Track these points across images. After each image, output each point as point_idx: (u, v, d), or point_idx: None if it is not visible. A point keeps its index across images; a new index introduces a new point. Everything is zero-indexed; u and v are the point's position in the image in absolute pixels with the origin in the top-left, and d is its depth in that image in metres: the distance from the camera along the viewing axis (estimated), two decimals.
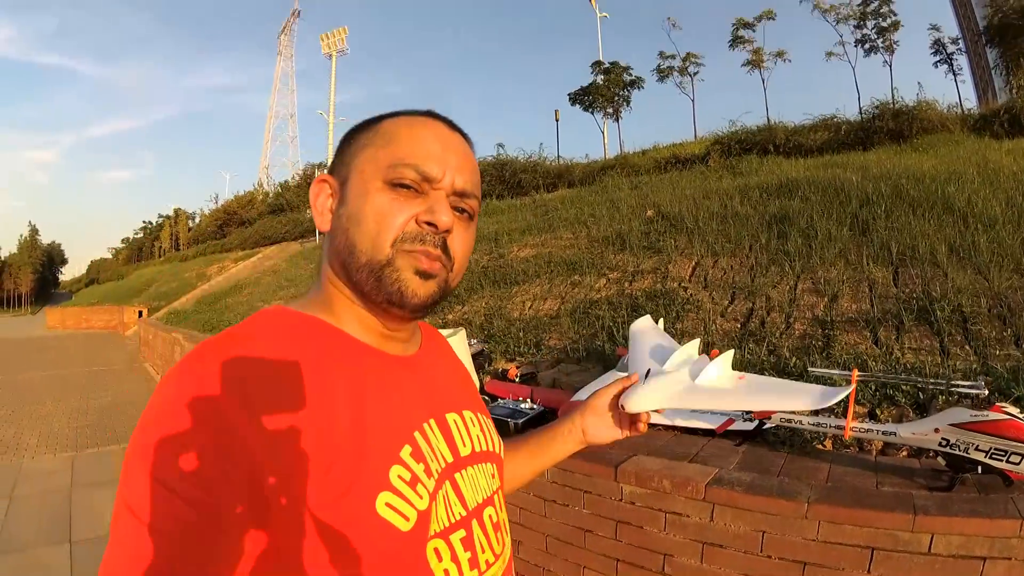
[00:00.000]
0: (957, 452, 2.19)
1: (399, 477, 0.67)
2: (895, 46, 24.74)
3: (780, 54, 27.34)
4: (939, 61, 24.48)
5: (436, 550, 0.69)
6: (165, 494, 0.53)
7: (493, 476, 0.85)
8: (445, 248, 0.72)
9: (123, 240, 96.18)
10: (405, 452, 0.69)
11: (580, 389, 3.74)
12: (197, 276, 32.17)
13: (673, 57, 29.67)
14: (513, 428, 3.44)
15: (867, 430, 2.43)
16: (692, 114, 29.14)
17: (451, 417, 0.80)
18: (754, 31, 27.32)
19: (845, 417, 2.47)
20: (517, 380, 4.52)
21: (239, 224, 44.64)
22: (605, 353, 4.68)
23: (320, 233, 0.78)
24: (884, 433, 2.41)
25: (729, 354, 1.27)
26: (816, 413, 2.85)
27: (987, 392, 2.28)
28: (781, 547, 2.24)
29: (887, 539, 2.04)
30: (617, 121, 29.80)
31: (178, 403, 0.58)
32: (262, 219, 38.80)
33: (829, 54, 26.37)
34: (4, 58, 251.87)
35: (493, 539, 0.79)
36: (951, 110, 13.20)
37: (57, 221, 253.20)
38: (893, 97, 13.24)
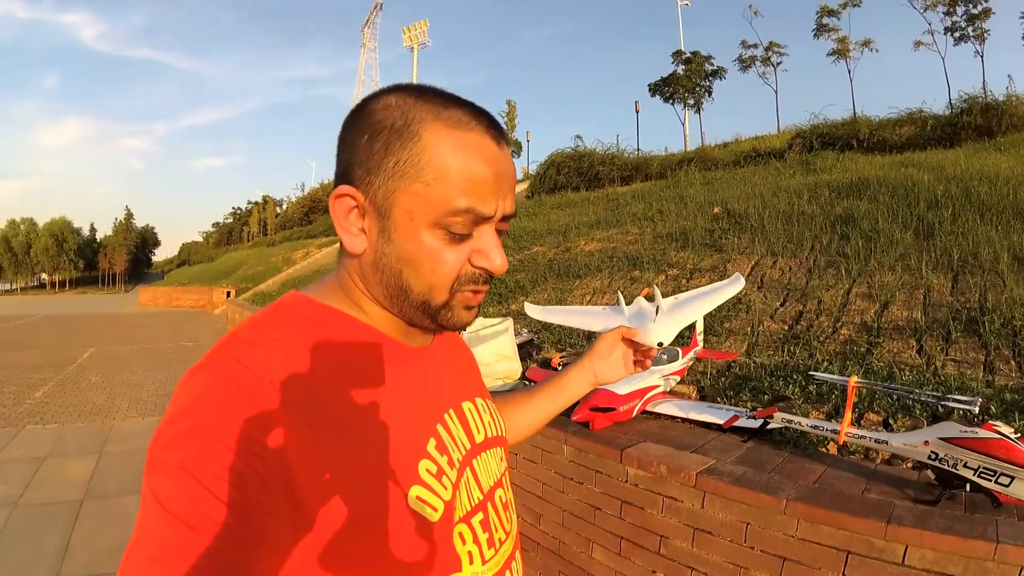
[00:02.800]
0: (945, 467, 2.19)
1: (427, 471, 0.69)
2: (986, 35, 23.09)
3: (866, 43, 25.96)
4: None
5: (460, 534, 0.73)
6: (196, 488, 0.52)
7: (501, 459, 0.89)
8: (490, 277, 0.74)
9: (213, 224, 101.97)
10: (431, 446, 0.71)
11: None
12: (283, 260, 33.51)
13: (756, 46, 28.79)
14: None
15: (860, 436, 2.48)
16: (775, 105, 28.27)
17: (466, 406, 0.84)
18: (839, 19, 26.11)
19: (843, 422, 2.57)
20: (559, 368, 4.76)
21: (324, 211, 46.18)
22: None
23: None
24: (877, 441, 2.46)
25: (655, 288, 1.52)
26: (809, 415, 2.98)
27: (978, 410, 2.26)
28: (763, 540, 2.36)
29: (862, 544, 2.11)
30: (698, 113, 29.31)
31: (209, 396, 0.58)
32: None
33: (918, 43, 24.77)
34: (98, 52, 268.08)
35: (504, 518, 0.84)
36: None
37: (152, 205, 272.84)
38: (984, 91, 12.52)
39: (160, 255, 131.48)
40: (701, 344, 4.39)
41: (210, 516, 0.51)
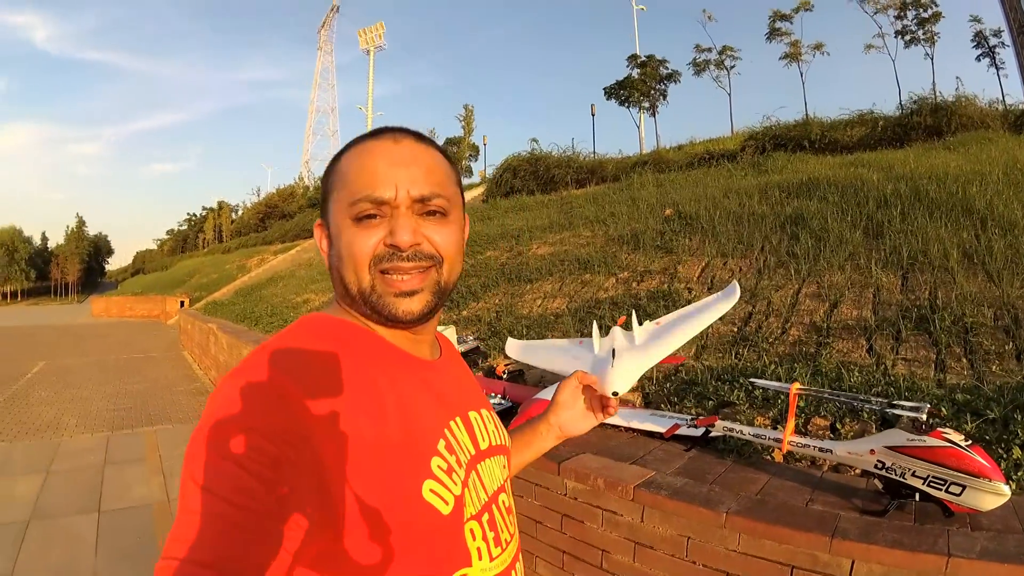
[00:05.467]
0: (893, 476, 2.08)
1: (438, 467, 0.74)
2: (936, 38, 23.78)
3: (818, 47, 26.68)
4: (981, 55, 23.42)
5: (471, 531, 0.77)
6: (235, 470, 0.57)
7: (504, 467, 0.93)
8: (424, 255, 0.78)
9: (168, 232, 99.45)
10: (441, 445, 0.76)
11: (545, 388, 3.80)
12: (238, 268, 32.94)
13: (709, 50, 29.29)
14: None
15: (804, 445, 2.35)
16: (729, 108, 28.76)
17: (472, 415, 0.88)
18: (791, 23, 26.71)
19: (785, 430, 2.40)
20: (505, 376, 4.57)
21: (280, 217, 45.62)
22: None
23: None
24: (821, 450, 2.32)
25: (632, 316, 1.31)
26: (752, 422, 2.82)
27: (926, 416, 2.13)
28: (704, 555, 2.24)
29: (806, 559, 1.98)
30: (654, 116, 29.55)
31: (245, 396, 0.63)
32: (302, 212, 39.60)
33: (868, 47, 25.63)
34: (46, 54, 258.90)
35: (508, 520, 0.88)
36: (992, 106, 12.59)
37: (105, 213, 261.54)
38: (934, 92, 12.75)
39: (114, 263, 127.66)
40: None
41: (248, 494, 0.57)
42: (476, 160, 39.92)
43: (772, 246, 6.23)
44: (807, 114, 15.75)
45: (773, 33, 26.90)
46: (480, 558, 0.78)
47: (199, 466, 0.59)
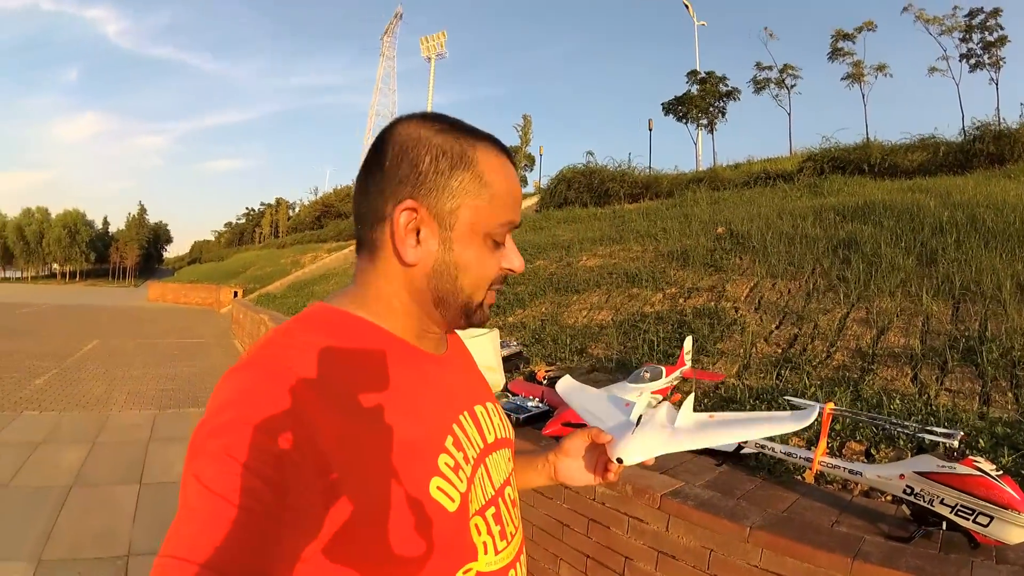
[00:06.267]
0: (921, 503, 2.08)
1: (446, 464, 0.74)
2: (1002, 62, 23.01)
3: (881, 68, 26.00)
4: None
5: (476, 526, 0.78)
6: (237, 469, 0.56)
7: (509, 459, 0.94)
8: None
9: (226, 224, 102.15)
10: (448, 442, 0.77)
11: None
12: (291, 263, 33.65)
13: (770, 68, 28.78)
14: (515, 421, 3.60)
15: (834, 466, 2.38)
16: (788, 128, 28.19)
17: (479, 409, 0.89)
18: (854, 43, 26.16)
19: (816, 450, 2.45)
20: (544, 382, 4.68)
21: (336, 216, 46.54)
22: (634, 366, 4.73)
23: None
24: (851, 472, 2.35)
25: (690, 399, 1.29)
26: (786, 441, 2.86)
27: (958, 444, 2.13)
28: (726, 568, 2.26)
29: None
30: (712, 133, 29.23)
31: (251, 390, 0.63)
32: None
33: (932, 69, 24.83)
34: (120, 48, 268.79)
35: (513, 513, 0.90)
36: None
37: (166, 203, 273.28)
38: (998, 118, 12.42)
39: (172, 252, 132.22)
40: (688, 364, 4.27)
41: (250, 494, 0.56)
42: (531, 170, 40.01)
43: (823, 269, 6.20)
44: (867, 137, 15.49)
45: (835, 53, 26.39)
46: (486, 552, 0.79)
47: (201, 463, 0.58)
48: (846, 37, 26.13)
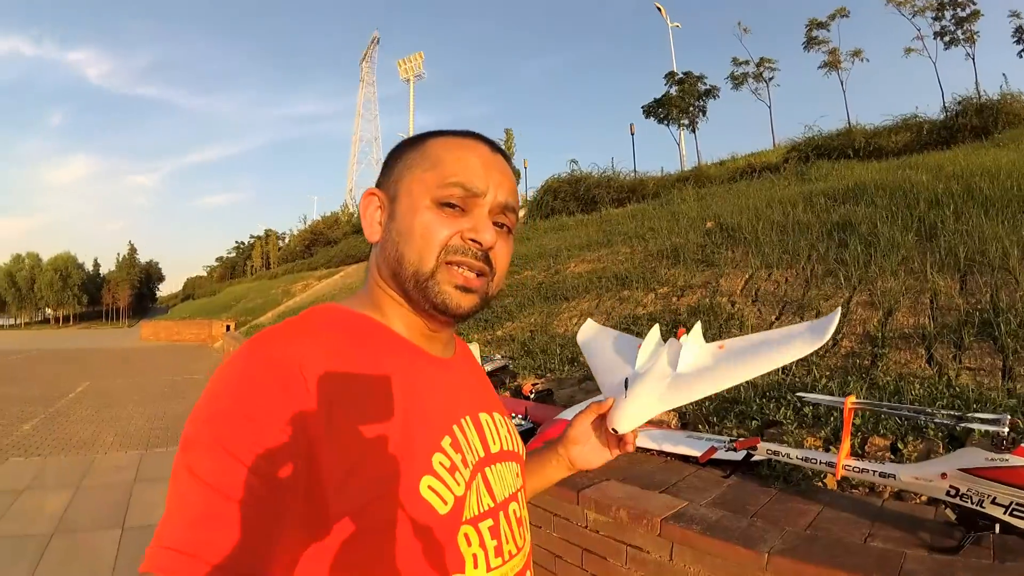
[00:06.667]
0: (969, 505, 1.78)
1: (440, 464, 0.71)
2: (976, 37, 22.89)
3: (857, 53, 25.89)
4: (1023, 50, 22.52)
5: (466, 535, 0.73)
6: (231, 461, 0.56)
7: (517, 475, 0.89)
8: (487, 260, 0.78)
9: (217, 259, 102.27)
10: (446, 442, 0.74)
11: (567, 408, 3.62)
12: (283, 293, 33.67)
13: (747, 63, 28.73)
14: None
15: (862, 470, 2.06)
16: (770, 120, 28.17)
17: (483, 416, 0.85)
18: (828, 31, 26.07)
19: (839, 452, 2.14)
20: (532, 397, 4.43)
21: (325, 243, 46.61)
22: None
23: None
24: (882, 475, 2.02)
25: (697, 327, 1.14)
26: (801, 444, 2.55)
27: (1007, 430, 1.78)
28: None
29: None
30: (694, 132, 29.11)
31: (246, 380, 0.62)
32: (346, 239, 40.36)
33: (908, 50, 24.70)
34: (103, 89, 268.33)
35: (516, 532, 0.82)
36: None
37: (156, 241, 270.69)
38: (978, 92, 12.32)
39: (165, 290, 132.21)
40: None
41: (242, 487, 0.56)
42: (517, 183, 40.05)
43: (819, 254, 5.95)
44: (849, 122, 15.46)
45: (811, 42, 26.30)
46: (476, 566, 0.73)
47: (195, 454, 0.58)
48: (820, 26, 26.03)
